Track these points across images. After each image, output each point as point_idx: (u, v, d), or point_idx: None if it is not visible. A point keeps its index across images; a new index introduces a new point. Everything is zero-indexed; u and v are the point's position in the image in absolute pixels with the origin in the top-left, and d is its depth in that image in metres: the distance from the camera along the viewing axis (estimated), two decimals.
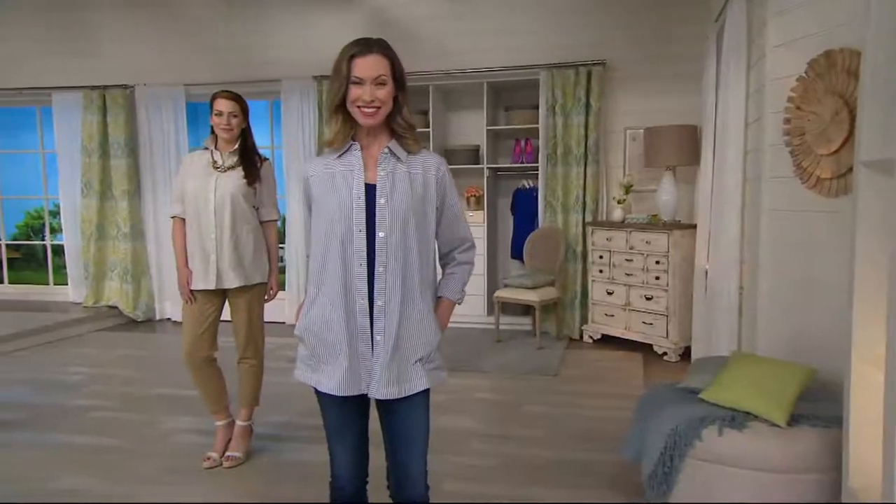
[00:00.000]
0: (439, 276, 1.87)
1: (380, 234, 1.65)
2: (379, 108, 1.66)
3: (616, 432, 3.37)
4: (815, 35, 2.69)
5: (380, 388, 1.68)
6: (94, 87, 6.25)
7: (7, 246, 7.18)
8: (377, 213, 1.66)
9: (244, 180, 2.91)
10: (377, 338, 1.67)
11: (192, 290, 2.93)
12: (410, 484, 1.76)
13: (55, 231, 7.46)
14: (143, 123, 6.31)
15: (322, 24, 5.96)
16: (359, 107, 1.66)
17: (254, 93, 5.67)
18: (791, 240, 2.89)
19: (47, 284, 7.12)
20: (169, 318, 6.43)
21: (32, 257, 9.21)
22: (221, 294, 2.98)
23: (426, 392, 1.75)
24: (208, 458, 3.00)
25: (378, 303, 1.66)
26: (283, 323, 5.85)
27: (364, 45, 1.66)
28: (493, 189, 6.09)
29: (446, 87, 5.99)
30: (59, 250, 6.97)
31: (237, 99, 2.93)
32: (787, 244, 2.92)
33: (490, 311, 5.76)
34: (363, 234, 1.65)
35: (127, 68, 6.30)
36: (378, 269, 1.65)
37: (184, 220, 2.96)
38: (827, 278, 2.60)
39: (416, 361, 1.71)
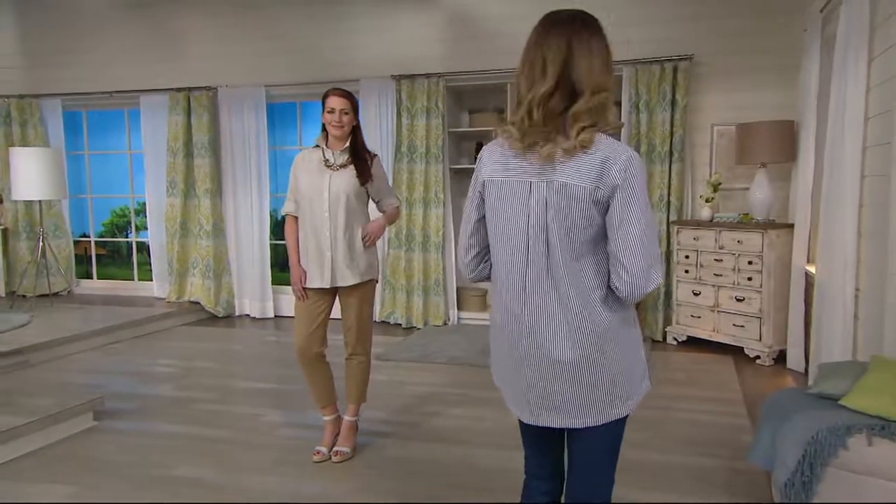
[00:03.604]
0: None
1: None
2: None
3: (722, 437, 3.27)
4: None
5: None
6: (179, 89, 6.44)
7: (95, 243, 7.49)
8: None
9: (357, 179, 2.93)
10: None
11: (304, 288, 2.97)
12: None
13: (138, 229, 7.74)
14: (226, 124, 6.47)
15: (401, 23, 6.00)
16: None
17: None
18: None
19: (132, 280, 7.40)
20: (248, 314, 6.58)
21: (117, 254, 9.60)
22: (333, 291, 3.01)
23: None
24: (318, 453, 3.04)
25: None
26: None
27: None
28: None
29: None
30: (142, 247, 7.22)
31: (348, 96, 2.96)
32: None
33: None
34: None
35: (210, 70, 6.47)
36: None
37: (296, 217, 3.01)
38: None
39: None
